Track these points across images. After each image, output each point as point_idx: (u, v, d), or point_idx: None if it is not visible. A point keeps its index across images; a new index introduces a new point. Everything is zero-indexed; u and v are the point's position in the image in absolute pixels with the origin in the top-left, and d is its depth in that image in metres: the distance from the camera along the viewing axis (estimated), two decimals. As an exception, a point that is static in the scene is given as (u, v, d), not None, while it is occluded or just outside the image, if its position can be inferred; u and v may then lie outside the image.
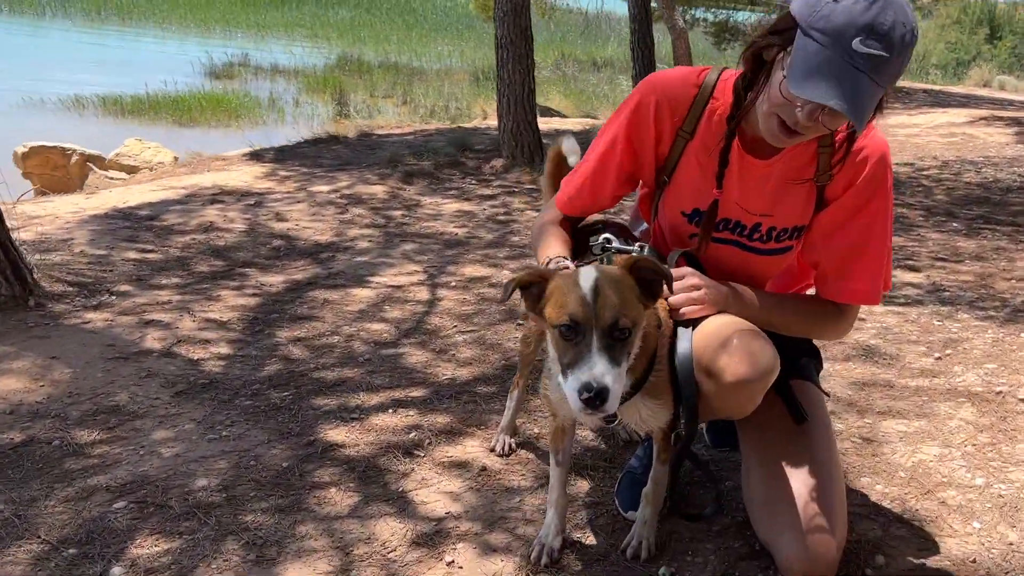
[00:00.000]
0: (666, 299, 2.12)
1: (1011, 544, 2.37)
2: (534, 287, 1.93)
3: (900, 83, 17.09)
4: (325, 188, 7.02)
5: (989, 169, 8.64)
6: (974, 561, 2.30)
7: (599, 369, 1.75)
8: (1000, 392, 3.33)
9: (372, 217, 6.22)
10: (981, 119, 12.43)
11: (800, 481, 2.19)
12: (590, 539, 2.41)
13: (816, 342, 2.56)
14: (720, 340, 2.05)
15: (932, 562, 2.30)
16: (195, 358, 3.61)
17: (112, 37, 25.07)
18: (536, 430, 3.05)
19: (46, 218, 5.94)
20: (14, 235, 4.15)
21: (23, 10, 28.81)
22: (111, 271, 4.71)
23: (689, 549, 2.37)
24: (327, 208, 6.43)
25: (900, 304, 4.43)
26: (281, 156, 8.39)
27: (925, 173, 8.48)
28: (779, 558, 2.19)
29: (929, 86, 19.76)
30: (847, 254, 2.25)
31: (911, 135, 11.07)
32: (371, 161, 8.10)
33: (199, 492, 2.63)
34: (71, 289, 4.34)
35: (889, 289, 2.32)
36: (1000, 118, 12.55)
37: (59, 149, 10.31)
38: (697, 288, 2.16)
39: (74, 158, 10.33)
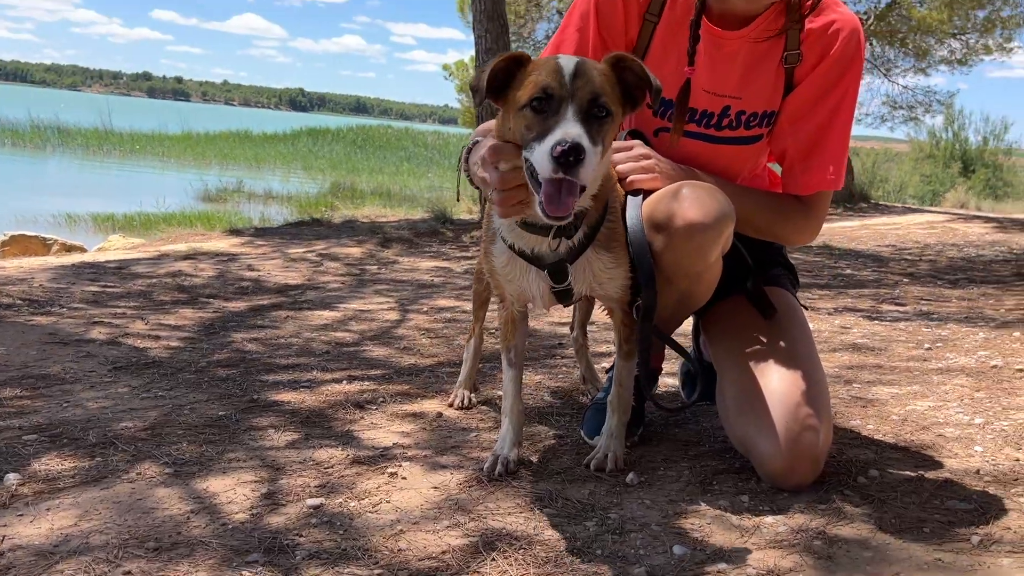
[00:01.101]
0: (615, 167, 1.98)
1: (1019, 460, 2.13)
2: (504, 73, 1.73)
3: (879, 202, 17.46)
4: (300, 249, 6.93)
5: (971, 249, 8.65)
6: (978, 472, 2.05)
7: (574, 129, 1.56)
8: (996, 366, 3.13)
9: (347, 269, 6.10)
10: (960, 218, 12.59)
11: (776, 375, 1.98)
12: (552, 460, 2.16)
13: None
14: (670, 193, 1.90)
15: (932, 474, 2.05)
16: (140, 346, 3.40)
17: (112, 168, 25.63)
18: (498, 392, 2.82)
19: (10, 268, 5.79)
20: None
21: (24, 144, 29.55)
22: (66, 296, 4.53)
23: (661, 466, 2.12)
24: (300, 263, 6.31)
25: (887, 321, 4.27)
26: (261, 232, 8.34)
27: (907, 253, 8.47)
28: (757, 459, 1.95)
29: (908, 206, 20.18)
30: (814, 139, 2.12)
31: (892, 230, 11.15)
32: (351, 234, 8.05)
33: (121, 430, 2.38)
34: (20, 302, 4.15)
35: (843, 177, 2.17)
36: (979, 218, 12.73)
37: (39, 239, 10.26)
38: (647, 158, 2.02)
39: (54, 247, 10.27)
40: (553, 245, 1.86)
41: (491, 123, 2.14)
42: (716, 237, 1.87)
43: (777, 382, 1.97)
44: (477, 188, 2.05)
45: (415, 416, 2.55)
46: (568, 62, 1.66)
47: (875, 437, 2.35)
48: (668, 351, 2.53)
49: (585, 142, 1.55)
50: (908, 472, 2.06)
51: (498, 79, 1.73)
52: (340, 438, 2.34)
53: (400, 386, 2.91)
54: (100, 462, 2.12)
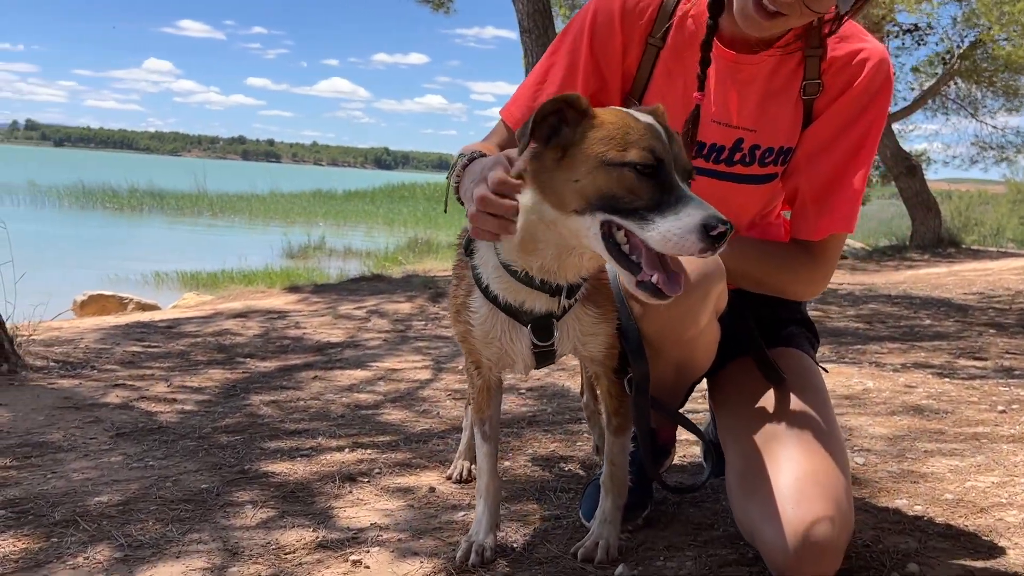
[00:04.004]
0: None
1: (1093, 554, 1.79)
2: (553, 118, 1.52)
3: (971, 247, 16.55)
4: (351, 306, 6.86)
5: (1071, 297, 7.99)
6: (1042, 569, 1.72)
7: (710, 207, 1.38)
8: (1079, 434, 2.74)
9: (392, 326, 5.97)
10: (1060, 263, 11.78)
11: (783, 452, 1.71)
12: (539, 546, 1.92)
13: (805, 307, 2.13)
14: None
15: (984, 572, 1.73)
16: (152, 410, 3.30)
17: (202, 229, 26.56)
18: (507, 463, 2.59)
19: (67, 328, 5.87)
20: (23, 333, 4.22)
21: (122, 207, 30.93)
22: (104, 357, 4.51)
23: (663, 555, 1.85)
24: (348, 320, 6.22)
25: (961, 378, 3.87)
26: (319, 289, 8.34)
27: (996, 301, 7.88)
28: (763, 551, 1.67)
29: (1005, 250, 19.12)
30: (832, 178, 1.87)
31: (982, 276, 10.47)
32: (406, 288, 7.97)
33: (92, 506, 2.24)
34: (54, 364, 4.14)
35: (856, 219, 1.90)
36: (1082, 263, 11.88)
37: (116, 298, 10.54)
38: None
39: (130, 306, 10.53)
40: (559, 304, 1.66)
41: (476, 144, 1.95)
42: (702, 299, 1.63)
43: (784, 460, 1.69)
44: (462, 204, 1.81)
45: (405, 491, 2.35)
46: (654, 121, 1.51)
47: (922, 521, 2.03)
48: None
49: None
50: (955, 569, 1.75)
51: (548, 123, 1.52)
52: (316, 517, 2.15)
53: (403, 454, 2.71)
54: (54, 543, 1.98)
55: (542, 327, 1.70)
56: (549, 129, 1.51)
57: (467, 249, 1.72)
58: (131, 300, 10.74)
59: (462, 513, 2.16)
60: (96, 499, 2.29)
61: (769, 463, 1.69)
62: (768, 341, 1.92)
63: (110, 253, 18.50)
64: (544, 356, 1.77)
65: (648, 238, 1.40)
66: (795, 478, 1.64)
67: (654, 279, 1.42)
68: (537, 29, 7.61)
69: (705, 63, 1.82)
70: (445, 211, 1.94)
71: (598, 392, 1.86)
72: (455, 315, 1.82)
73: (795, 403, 1.79)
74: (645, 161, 1.42)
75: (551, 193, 1.50)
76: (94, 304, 10.58)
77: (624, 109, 1.55)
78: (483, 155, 1.73)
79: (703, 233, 1.34)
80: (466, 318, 1.77)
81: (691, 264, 1.61)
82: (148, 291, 15.27)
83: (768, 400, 1.82)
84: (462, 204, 1.70)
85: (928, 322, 6.20)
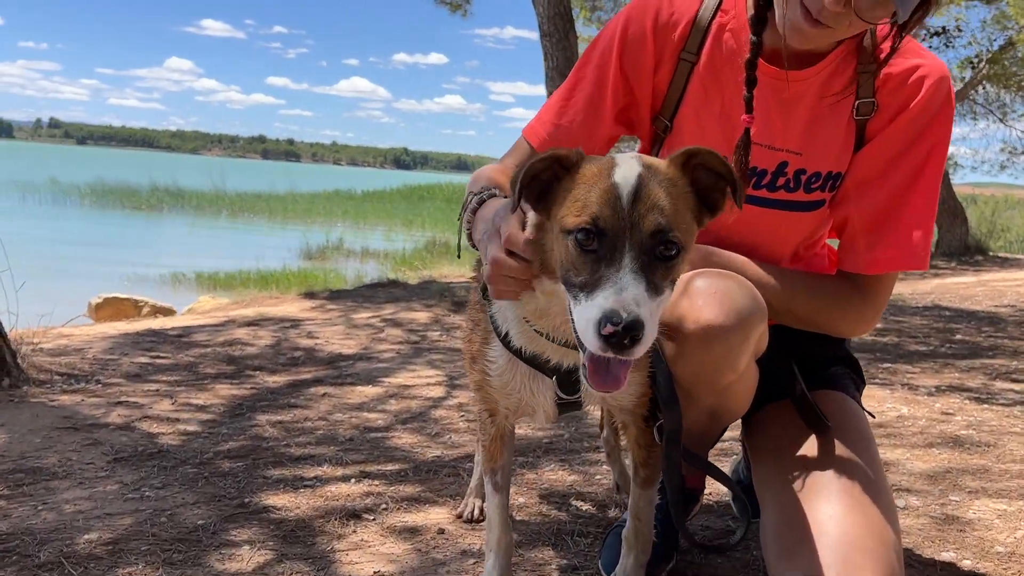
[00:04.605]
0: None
1: None
2: (544, 175, 1.37)
3: (998, 254, 16.20)
4: (367, 315, 6.73)
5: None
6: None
7: (632, 292, 1.18)
8: None
9: (406, 336, 5.84)
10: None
11: (826, 508, 1.55)
12: (554, 605, 1.77)
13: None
14: (680, 286, 1.52)
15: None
16: (154, 432, 3.17)
17: (221, 228, 26.56)
18: (521, 499, 2.45)
19: (77, 336, 5.78)
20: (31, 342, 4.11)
21: (140, 206, 31.01)
22: (111, 369, 4.40)
23: (689, 618, 1.70)
24: (363, 329, 6.09)
25: (1001, 404, 3.68)
26: (335, 296, 8.22)
27: (1030, 312, 7.64)
28: (807, 619, 1.51)
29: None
30: (885, 207, 1.70)
31: (1013, 286, 10.21)
32: (423, 296, 7.84)
33: (80, 545, 2.11)
34: (57, 378, 4.03)
35: (928, 254, 1.73)
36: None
37: (131, 301, 10.48)
38: None
39: (145, 309, 10.47)
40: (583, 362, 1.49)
41: (489, 169, 1.81)
42: (742, 342, 1.47)
43: (828, 517, 1.54)
44: (475, 248, 1.67)
45: (413, 532, 2.20)
46: (627, 176, 1.27)
47: (972, 579, 1.86)
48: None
49: (644, 311, 1.17)
50: (1014, 639, 1.58)
51: (539, 180, 1.36)
52: (317, 562, 2.01)
53: (412, 487, 2.57)
54: (35, 590, 1.85)
55: (568, 379, 1.55)
56: (541, 187, 1.35)
57: (484, 293, 1.55)
58: (146, 303, 10.68)
59: (472, 561, 2.01)
60: (86, 536, 2.16)
61: (812, 522, 1.53)
62: (809, 382, 1.76)
63: (128, 253, 18.51)
64: (568, 407, 1.62)
65: (574, 322, 1.25)
66: (841, 543, 1.48)
67: (585, 363, 1.26)
68: (557, 33, 7.46)
69: (751, 83, 1.66)
70: (459, 256, 1.80)
71: (623, 437, 1.71)
72: (470, 362, 1.67)
73: (840, 454, 1.63)
74: (583, 229, 1.25)
75: (545, 257, 1.35)
76: (109, 307, 10.53)
77: (615, 158, 1.34)
78: (494, 192, 1.59)
79: (596, 331, 1.16)
80: (483, 367, 1.62)
81: (729, 299, 1.45)
82: (166, 291, 15.24)
83: (810, 449, 1.66)
84: (475, 248, 1.56)
85: (959, 336, 6.00)
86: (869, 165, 1.71)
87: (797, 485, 1.61)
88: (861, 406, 1.83)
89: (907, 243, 1.69)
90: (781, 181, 1.74)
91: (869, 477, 1.61)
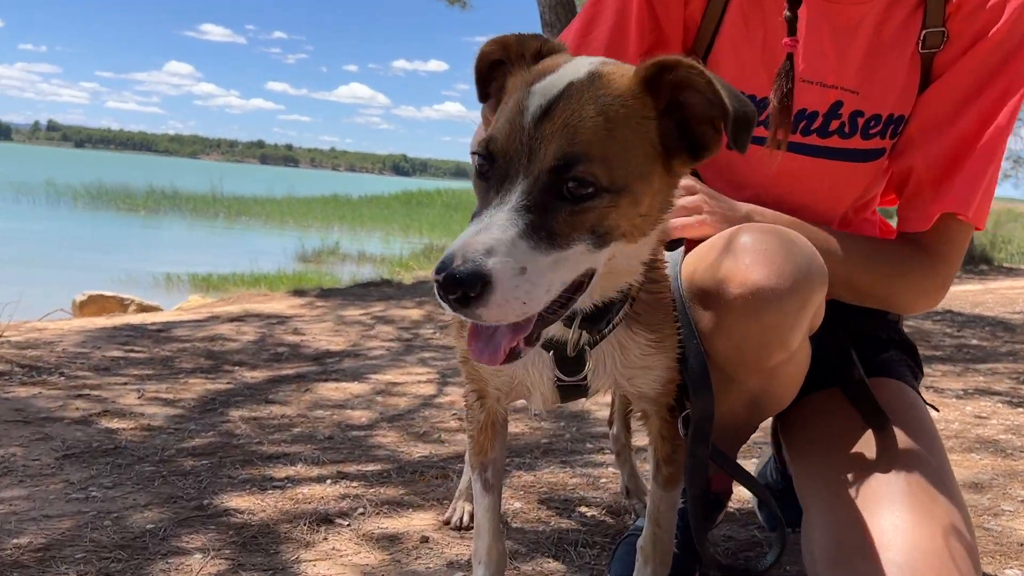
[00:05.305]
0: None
1: None
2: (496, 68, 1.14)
3: (1002, 264, 15.96)
4: (356, 312, 6.45)
5: None
6: None
7: (490, 236, 0.92)
8: None
9: (398, 333, 5.56)
10: (1101, 282, 11.23)
11: (890, 517, 1.27)
12: (554, 628, 1.49)
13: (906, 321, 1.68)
14: (721, 244, 1.24)
15: None
16: (113, 427, 2.88)
17: (217, 231, 26.28)
18: (517, 504, 2.16)
19: (51, 330, 5.49)
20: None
21: (136, 207, 30.73)
22: (79, 362, 4.11)
23: (716, 647, 1.42)
24: (352, 326, 5.81)
25: (1034, 408, 3.41)
26: (325, 294, 7.94)
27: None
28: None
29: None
30: (955, 154, 1.43)
31: (1021, 293, 9.95)
32: (416, 294, 7.56)
33: (7, 551, 1.82)
34: (18, 370, 3.74)
35: (986, 214, 1.45)
36: None
37: (117, 299, 10.17)
38: (690, 192, 1.37)
39: (131, 307, 10.16)
40: (575, 337, 1.22)
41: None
42: (798, 310, 1.19)
43: (892, 527, 1.26)
44: None
45: (392, 540, 1.92)
46: (551, 85, 1.01)
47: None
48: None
49: (498, 263, 0.90)
50: None
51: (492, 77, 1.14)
52: (277, 574, 1.72)
53: (394, 489, 2.28)
54: (-60, 604, 1.57)
55: (571, 358, 1.26)
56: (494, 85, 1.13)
57: None
58: (132, 301, 10.37)
59: (460, 574, 1.73)
60: (15, 540, 1.88)
61: (873, 531, 1.25)
62: (862, 368, 1.48)
63: (122, 254, 18.22)
64: (572, 391, 1.33)
65: None
66: (911, 555, 1.20)
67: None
68: (560, 23, 7.20)
69: (795, 1, 1.39)
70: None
71: (646, 430, 1.42)
72: (458, 329, 1.39)
73: (903, 452, 1.35)
74: (477, 152, 1.02)
75: None
76: (93, 305, 10.21)
77: (571, 60, 1.08)
78: None
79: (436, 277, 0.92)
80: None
81: (782, 259, 1.17)
82: (158, 293, 14.92)
83: (866, 446, 1.38)
84: None
85: (975, 341, 5.74)
86: (938, 106, 1.44)
87: (852, 489, 1.33)
88: (922, 398, 1.55)
89: (968, 192, 1.41)
90: (835, 125, 1.47)
91: (939, 479, 1.33)
